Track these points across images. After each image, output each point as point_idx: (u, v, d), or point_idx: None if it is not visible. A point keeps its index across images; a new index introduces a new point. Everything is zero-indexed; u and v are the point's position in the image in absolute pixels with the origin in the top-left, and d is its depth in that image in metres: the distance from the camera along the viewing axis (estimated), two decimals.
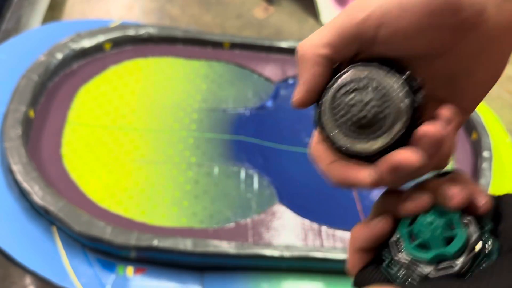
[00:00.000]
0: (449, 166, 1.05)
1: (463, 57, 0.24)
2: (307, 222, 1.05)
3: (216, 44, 1.35)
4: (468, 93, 0.26)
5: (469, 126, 1.28)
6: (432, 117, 0.25)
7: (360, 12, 0.23)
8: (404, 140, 0.24)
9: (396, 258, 0.24)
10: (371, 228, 0.25)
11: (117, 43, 1.27)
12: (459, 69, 0.25)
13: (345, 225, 1.05)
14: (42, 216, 0.93)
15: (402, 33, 0.23)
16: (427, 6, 0.22)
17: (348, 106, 0.24)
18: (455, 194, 0.24)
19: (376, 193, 1.20)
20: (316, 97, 0.25)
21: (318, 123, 0.25)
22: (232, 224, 1.01)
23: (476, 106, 0.27)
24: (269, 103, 1.27)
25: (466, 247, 0.22)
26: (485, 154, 1.19)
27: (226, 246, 0.92)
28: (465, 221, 0.23)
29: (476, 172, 1.18)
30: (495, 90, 2.01)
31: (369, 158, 0.24)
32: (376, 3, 0.23)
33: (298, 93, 0.25)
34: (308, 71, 0.25)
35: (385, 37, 0.23)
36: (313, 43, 0.25)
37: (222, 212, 1.03)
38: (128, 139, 1.11)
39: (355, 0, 0.24)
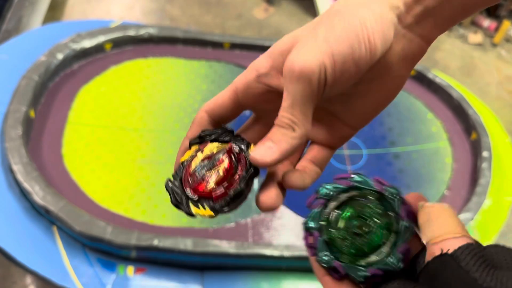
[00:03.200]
0: (448, 165, 1.05)
1: (363, 82, 0.27)
2: None
3: (216, 45, 1.35)
4: (359, 112, 0.29)
5: (469, 126, 1.28)
6: (327, 134, 0.29)
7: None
8: None
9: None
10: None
11: (118, 43, 1.27)
12: (355, 91, 0.27)
13: None
14: (43, 216, 0.93)
15: (344, 80, 0.25)
16: (357, 57, 0.24)
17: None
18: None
19: None
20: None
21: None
22: (232, 224, 1.02)
23: (365, 124, 0.30)
24: None
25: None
26: (485, 154, 1.19)
27: (226, 246, 0.92)
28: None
29: (476, 172, 1.18)
30: (495, 91, 2.01)
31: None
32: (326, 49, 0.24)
33: (272, 156, 0.26)
34: (292, 146, 0.26)
35: (328, 89, 0.25)
36: (306, 125, 0.26)
37: None
38: (128, 139, 1.11)
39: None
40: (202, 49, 1.35)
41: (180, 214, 1.05)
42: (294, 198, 1.12)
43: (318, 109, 0.29)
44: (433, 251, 0.22)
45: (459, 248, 0.21)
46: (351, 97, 0.28)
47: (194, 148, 0.29)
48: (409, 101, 1.35)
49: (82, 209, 0.93)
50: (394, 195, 0.26)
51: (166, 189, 0.28)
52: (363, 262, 0.25)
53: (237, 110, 0.30)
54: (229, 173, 0.27)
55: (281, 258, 0.94)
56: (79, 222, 0.89)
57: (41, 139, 1.06)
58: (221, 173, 0.27)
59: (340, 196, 0.27)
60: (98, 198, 0.99)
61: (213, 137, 0.29)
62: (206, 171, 0.28)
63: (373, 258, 0.25)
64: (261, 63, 0.27)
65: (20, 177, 0.93)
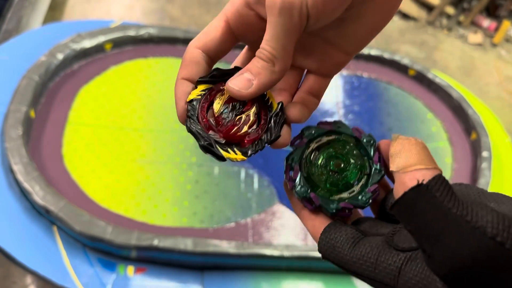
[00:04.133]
0: (448, 165, 1.05)
1: (353, 3, 0.26)
2: None
3: None
4: (354, 35, 0.28)
5: (468, 126, 1.28)
6: (322, 61, 0.29)
7: None
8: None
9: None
10: None
11: (118, 43, 1.27)
12: (349, 13, 0.26)
13: None
14: (43, 216, 0.93)
15: (328, 12, 0.25)
16: None
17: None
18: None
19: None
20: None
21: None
22: (232, 224, 1.02)
23: (360, 49, 0.29)
24: None
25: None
26: (485, 154, 1.19)
27: (226, 246, 0.92)
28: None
29: (476, 172, 1.18)
30: (495, 91, 2.01)
31: None
32: None
33: (252, 90, 0.26)
34: (272, 81, 0.26)
35: (312, 21, 0.25)
36: (286, 58, 0.26)
37: (222, 211, 1.04)
38: (128, 139, 1.11)
39: None
40: None
41: (180, 214, 1.04)
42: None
43: (310, 36, 0.28)
44: (403, 180, 0.22)
45: (433, 178, 0.22)
46: (344, 21, 0.27)
47: (201, 87, 0.28)
48: (409, 101, 1.35)
49: (82, 209, 0.93)
50: (370, 142, 0.29)
51: (190, 131, 0.27)
52: (336, 198, 0.28)
53: (232, 42, 0.28)
54: (260, 117, 0.27)
55: (281, 258, 0.94)
56: (79, 222, 0.89)
57: (41, 139, 1.06)
58: (252, 118, 0.27)
59: (321, 138, 0.29)
60: (98, 198, 0.99)
61: (227, 77, 0.27)
62: (234, 115, 0.27)
63: (345, 195, 0.28)
64: None
65: (20, 177, 0.93)
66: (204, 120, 0.27)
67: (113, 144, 1.09)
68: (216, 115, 0.27)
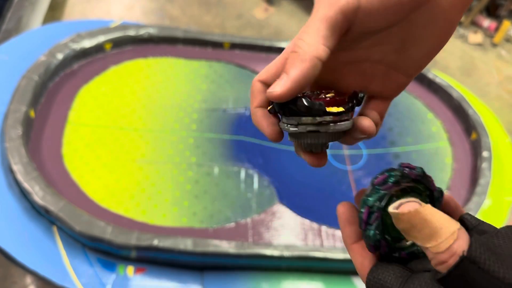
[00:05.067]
0: (448, 165, 1.05)
1: (414, 27, 0.27)
2: (307, 222, 1.05)
3: (216, 44, 1.35)
4: (414, 58, 0.29)
5: (468, 126, 1.28)
6: (384, 85, 0.30)
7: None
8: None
9: None
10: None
11: (118, 43, 1.27)
12: (409, 36, 0.28)
13: None
14: (43, 216, 0.93)
15: (374, 11, 0.25)
16: None
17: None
18: None
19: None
20: (299, 93, 0.27)
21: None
22: (232, 224, 1.02)
23: (419, 71, 0.30)
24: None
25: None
26: (485, 154, 1.19)
27: (226, 246, 0.92)
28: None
29: (476, 172, 1.18)
30: (495, 91, 2.01)
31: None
32: None
33: (284, 86, 0.26)
34: (303, 70, 0.25)
35: (361, 17, 0.26)
36: (312, 43, 0.25)
37: (222, 212, 1.04)
38: (128, 139, 1.11)
39: None
40: (202, 49, 1.35)
41: (180, 214, 1.04)
42: (294, 198, 1.13)
43: (373, 63, 0.30)
44: (441, 259, 0.22)
45: (471, 246, 0.21)
46: (405, 43, 0.28)
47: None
48: (409, 101, 1.35)
49: (82, 209, 0.93)
50: (439, 197, 0.29)
51: (301, 104, 0.27)
52: (397, 246, 0.28)
53: None
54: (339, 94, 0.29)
55: (281, 258, 0.94)
56: (79, 222, 0.89)
57: (41, 139, 1.06)
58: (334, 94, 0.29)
59: (401, 184, 0.29)
60: (98, 198, 0.99)
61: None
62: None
63: (406, 243, 0.28)
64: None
65: (20, 177, 0.93)
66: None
67: (113, 144, 1.09)
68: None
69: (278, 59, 0.29)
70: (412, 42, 0.28)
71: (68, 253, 0.90)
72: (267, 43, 1.36)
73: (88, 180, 1.02)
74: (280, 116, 0.29)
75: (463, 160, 1.23)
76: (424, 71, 1.40)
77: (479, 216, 1.07)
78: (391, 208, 0.24)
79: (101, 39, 1.23)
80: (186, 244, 0.91)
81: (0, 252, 0.89)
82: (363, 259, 0.28)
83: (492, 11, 2.48)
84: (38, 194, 0.91)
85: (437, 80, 1.38)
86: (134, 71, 1.25)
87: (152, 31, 1.30)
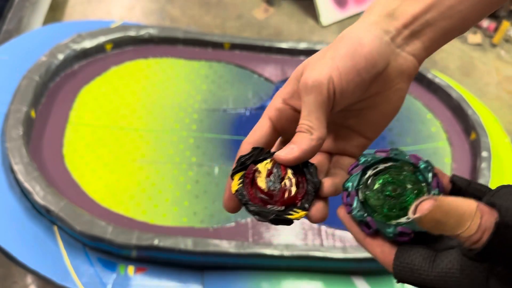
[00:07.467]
0: (448, 165, 1.05)
1: (370, 96, 0.32)
2: (307, 221, 1.05)
3: (216, 45, 1.35)
4: (371, 122, 0.33)
5: (468, 126, 1.29)
6: (347, 145, 0.34)
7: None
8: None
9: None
10: None
11: (118, 43, 1.27)
12: (367, 104, 0.32)
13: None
14: (44, 215, 0.93)
15: (347, 92, 0.30)
16: (361, 68, 0.30)
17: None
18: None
19: None
20: (302, 161, 0.32)
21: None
22: (232, 224, 1.02)
23: (378, 134, 0.34)
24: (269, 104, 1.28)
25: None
26: (484, 154, 1.19)
27: (227, 246, 0.93)
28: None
29: (475, 172, 1.18)
30: (494, 91, 2.01)
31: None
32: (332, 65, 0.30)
33: (292, 154, 0.31)
34: (311, 146, 0.30)
35: (338, 99, 0.30)
36: (316, 127, 0.30)
37: (222, 211, 1.04)
38: (129, 139, 1.12)
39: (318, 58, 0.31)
40: (202, 49, 1.35)
41: (180, 213, 1.04)
42: None
43: (336, 126, 0.34)
44: (474, 238, 0.23)
45: (498, 215, 0.23)
46: (362, 110, 0.33)
47: (238, 175, 0.32)
48: (409, 101, 1.35)
49: (83, 209, 0.93)
50: (427, 168, 0.29)
51: (255, 213, 0.30)
52: (393, 223, 0.28)
53: (275, 135, 0.34)
54: (299, 177, 0.31)
55: (281, 258, 0.94)
56: (79, 222, 0.89)
57: (42, 139, 1.06)
58: (293, 180, 0.31)
59: (378, 165, 0.30)
60: (98, 198, 1.00)
61: (252, 159, 0.32)
62: (278, 184, 0.31)
63: (403, 220, 0.28)
64: (283, 90, 0.33)
65: (21, 177, 0.93)
66: (256, 200, 0.31)
67: (113, 144, 1.10)
68: (265, 191, 0.31)
69: (263, 123, 0.33)
70: (368, 108, 0.33)
71: (69, 253, 0.91)
72: (267, 44, 1.37)
73: (89, 180, 1.02)
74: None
75: (462, 160, 1.24)
76: (424, 71, 1.40)
77: None
78: (411, 214, 0.24)
79: (101, 39, 1.24)
80: (187, 243, 0.91)
81: (1, 251, 0.89)
82: (382, 247, 0.28)
83: None
84: (39, 194, 0.91)
85: (437, 80, 1.38)
86: (134, 71, 1.26)
87: (152, 31, 1.31)
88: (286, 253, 0.94)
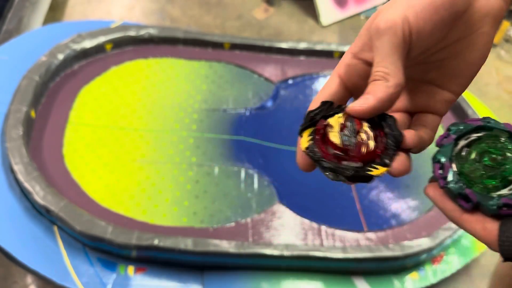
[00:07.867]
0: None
1: (451, 42, 0.28)
2: (306, 221, 1.05)
3: (217, 45, 1.35)
4: (456, 73, 0.30)
5: None
6: (431, 102, 0.30)
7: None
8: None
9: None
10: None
11: (118, 43, 1.27)
12: (448, 53, 0.29)
13: (345, 225, 1.06)
14: (43, 215, 0.93)
15: (425, 32, 0.27)
16: (439, 4, 0.26)
17: None
18: None
19: (375, 193, 1.20)
20: (379, 113, 0.29)
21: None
22: (232, 224, 1.02)
23: (465, 87, 0.31)
24: (269, 104, 1.28)
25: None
26: None
27: (226, 246, 0.93)
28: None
29: None
30: (494, 91, 2.01)
31: None
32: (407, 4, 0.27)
33: (368, 104, 0.27)
34: (388, 93, 0.27)
35: (414, 41, 0.27)
36: (393, 73, 0.27)
37: (222, 211, 1.04)
38: (129, 139, 1.12)
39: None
40: (202, 49, 1.35)
41: (180, 213, 1.04)
42: (294, 198, 1.13)
43: (415, 82, 0.31)
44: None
45: None
46: (444, 61, 0.29)
47: (307, 132, 0.29)
48: None
49: (83, 209, 0.93)
50: None
51: (331, 170, 0.27)
52: (495, 195, 0.25)
53: (346, 96, 0.31)
54: (376, 131, 0.28)
55: (281, 258, 0.94)
56: (79, 222, 0.89)
57: (41, 139, 1.06)
58: (370, 133, 0.28)
59: (470, 135, 0.27)
60: (98, 198, 1.00)
61: (322, 113, 0.29)
62: (354, 138, 0.28)
63: (504, 191, 0.25)
64: (353, 45, 0.29)
65: (20, 177, 0.93)
66: (329, 157, 0.28)
67: (113, 144, 1.10)
68: (340, 146, 0.28)
69: (332, 78, 0.30)
70: (450, 58, 0.29)
71: (69, 253, 0.91)
72: (267, 44, 1.37)
73: (89, 180, 1.02)
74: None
75: None
76: None
77: None
78: None
79: (101, 39, 1.24)
80: (187, 243, 0.91)
81: (0, 251, 0.89)
82: (483, 223, 0.25)
83: None
84: (39, 194, 0.91)
85: None
86: (134, 71, 1.26)
87: (152, 31, 1.31)
88: (286, 253, 0.94)
